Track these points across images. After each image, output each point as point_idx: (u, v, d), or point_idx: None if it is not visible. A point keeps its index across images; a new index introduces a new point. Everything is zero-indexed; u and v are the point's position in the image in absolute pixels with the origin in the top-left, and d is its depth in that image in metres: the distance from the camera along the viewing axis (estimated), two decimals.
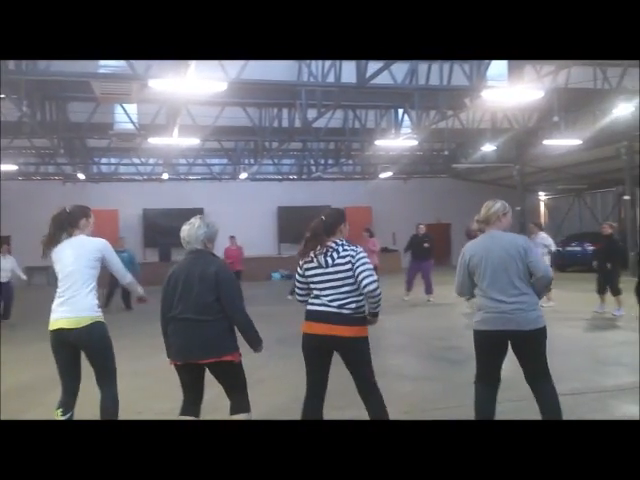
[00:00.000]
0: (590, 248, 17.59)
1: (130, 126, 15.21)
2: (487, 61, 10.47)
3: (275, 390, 5.85)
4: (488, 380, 3.94)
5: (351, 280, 3.62)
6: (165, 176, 22.80)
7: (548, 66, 11.63)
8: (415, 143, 17.85)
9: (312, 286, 3.72)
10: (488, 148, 19.00)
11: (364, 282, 3.56)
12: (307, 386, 3.79)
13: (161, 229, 21.73)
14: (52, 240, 3.95)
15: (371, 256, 12.98)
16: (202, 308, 3.60)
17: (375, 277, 3.62)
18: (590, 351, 7.45)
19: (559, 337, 8.62)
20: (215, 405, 4.33)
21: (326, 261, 3.65)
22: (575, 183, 24.07)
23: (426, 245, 12.95)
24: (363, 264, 3.63)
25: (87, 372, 4.01)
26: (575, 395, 5.29)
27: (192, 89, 9.57)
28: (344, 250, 3.68)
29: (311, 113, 13.93)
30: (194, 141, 15.95)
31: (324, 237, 3.70)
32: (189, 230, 3.80)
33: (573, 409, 4.92)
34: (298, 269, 3.80)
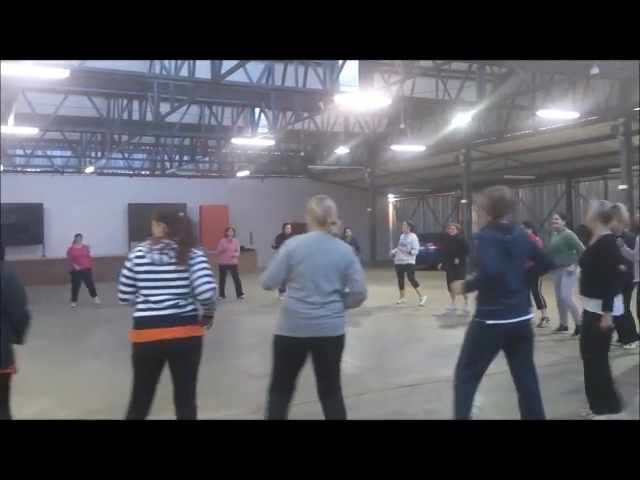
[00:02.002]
0: (432, 248, 18.87)
1: None
2: (339, 66, 10.81)
3: (116, 395, 5.54)
4: (286, 388, 3.66)
5: (185, 282, 3.47)
6: None
7: (395, 75, 12.28)
8: (272, 143, 17.99)
9: (140, 284, 3.48)
10: (342, 151, 19.67)
11: (202, 288, 3.45)
12: (133, 395, 3.53)
13: None
14: None
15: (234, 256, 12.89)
16: None
17: (213, 284, 3.52)
18: (431, 344, 7.95)
19: (403, 331, 9.14)
20: None
21: (161, 259, 3.46)
22: (420, 187, 25.73)
23: None
24: (202, 269, 3.49)
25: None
26: (414, 386, 5.62)
27: (30, 74, 8.79)
28: None
29: (164, 107, 13.47)
30: (32, 131, 14.69)
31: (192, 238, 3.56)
32: None
33: (412, 398, 5.22)
34: (126, 263, 3.52)
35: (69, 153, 21.35)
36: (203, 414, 4.07)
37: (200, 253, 3.55)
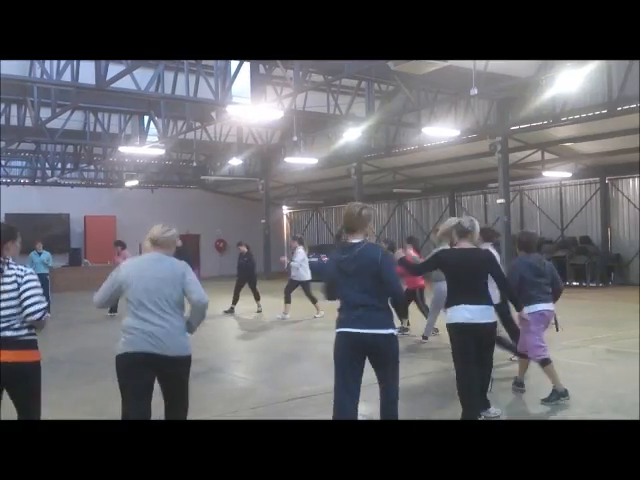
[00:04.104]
0: (325, 259, 19.15)
1: None
2: (231, 77, 10.76)
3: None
4: (139, 414, 3.48)
5: (16, 302, 3.33)
6: None
7: (287, 88, 12.41)
8: (162, 152, 17.53)
9: None
10: (235, 162, 19.53)
11: (30, 310, 3.32)
12: None
13: None
14: None
15: None
16: None
17: (44, 304, 3.40)
18: (323, 355, 8.03)
19: (296, 343, 9.19)
20: None
21: None
22: (313, 199, 26.11)
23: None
24: (32, 287, 3.37)
25: None
26: (305, 397, 5.65)
27: None
28: (9, 269, 3.38)
29: (45, 112, 12.72)
30: None
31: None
32: None
33: (303, 410, 5.26)
34: None
35: None
36: None
37: (29, 270, 3.43)
